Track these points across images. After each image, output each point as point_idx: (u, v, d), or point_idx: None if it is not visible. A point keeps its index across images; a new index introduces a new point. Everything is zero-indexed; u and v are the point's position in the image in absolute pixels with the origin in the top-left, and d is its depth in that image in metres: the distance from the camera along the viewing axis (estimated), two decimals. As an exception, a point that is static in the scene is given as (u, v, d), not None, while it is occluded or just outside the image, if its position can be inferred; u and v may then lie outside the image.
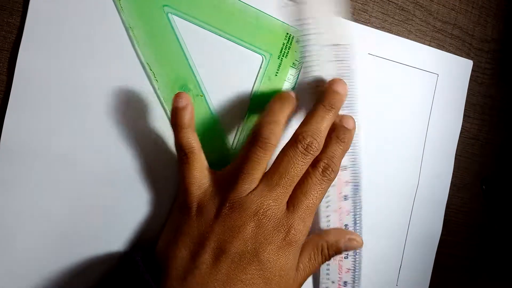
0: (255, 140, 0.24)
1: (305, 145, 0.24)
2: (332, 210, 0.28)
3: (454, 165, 0.35)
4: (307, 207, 0.25)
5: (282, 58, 0.29)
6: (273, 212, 0.24)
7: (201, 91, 0.28)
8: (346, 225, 0.29)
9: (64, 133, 0.26)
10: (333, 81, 0.27)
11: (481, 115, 0.36)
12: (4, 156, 0.25)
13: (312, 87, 0.28)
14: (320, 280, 0.29)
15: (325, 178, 0.25)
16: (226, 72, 0.29)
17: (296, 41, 0.30)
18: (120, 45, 0.27)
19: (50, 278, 0.26)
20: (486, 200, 0.37)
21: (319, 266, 0.27)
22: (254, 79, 0.29)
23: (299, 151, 0.24)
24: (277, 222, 0.24)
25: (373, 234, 0.33)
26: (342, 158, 0.27)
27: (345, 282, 0.29)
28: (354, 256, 0.29)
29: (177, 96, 0.24)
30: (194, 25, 0.28)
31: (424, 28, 0.34)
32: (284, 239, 0.24)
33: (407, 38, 0.33)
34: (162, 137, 0.28)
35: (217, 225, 0.23)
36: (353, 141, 0.27)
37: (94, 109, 0.26)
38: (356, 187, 0.29)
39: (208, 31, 0.28)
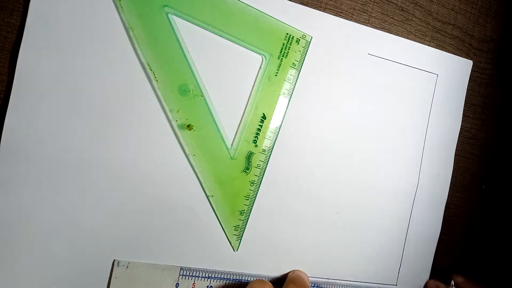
0: None
1: None
2: None
3: (454, 165, 0.35)
4: None
5: (282, 58, 0.30)
6: None
7: (201, 91, 0.28)
8: None
9: (64, 133, 0.26)
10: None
11: (481, 115, 0.36)
12: (4, 156, 0.25)
13: None
14: None
15: None
16: (226, 72, 0.29)
17: (296, 41, 0.30)
18: (120, 45, 0.27)
19: (51, 278, 0.26)
20: (486, 199, 0.37)
21: None
22: (254, 79, 0.29)
23: None
24: None
25: (373, 233, 0.33)
26: None
27: None
28: None
29: None
30: (194, 25, 0.28)
31: (423, 28, 0.34)
32: None
33: (407, 38, 0.33)
34: (161, 137, 0.28)
35: None
36: None
37: (94, 109, 0.26)
38: None
39: (208, 31, 0.28)
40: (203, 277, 0.28)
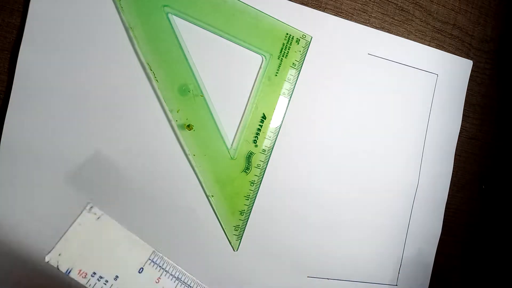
0: None
1: None
2: None
3: (454, 165, 0.35)
4: None
5: (282, 58, 0.30)
6: None
7: (201, 91, 0.28)
8: None
9: (64, 133, 0.26)
10: None
11: (481, 115, 0.36)
12: (4, 156, 0.25)
13: None
14: None
15: None
16: (226, 72, 0.29)
17: (296, 41, 0.30)
18: (120, 45, 0.27)
19: (50, 278, 0.26)
20: (486, 199, 0.37)
21: None
22: (254, 79, 0.29)
23: None
24: None
25: (373, 233, 0.33)
26: None
27: None
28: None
29: None
30: (194, 25, 0.28)
31: (423, 28, 0.34)
32: None
33: (407, 38, 0.33)
34: (161, 137, 0.28)
35: None
36: None
37: (94, 108, 0.26)
38: None
39: (208, 31, 0.28)
40: (172, 275, 0.23)
